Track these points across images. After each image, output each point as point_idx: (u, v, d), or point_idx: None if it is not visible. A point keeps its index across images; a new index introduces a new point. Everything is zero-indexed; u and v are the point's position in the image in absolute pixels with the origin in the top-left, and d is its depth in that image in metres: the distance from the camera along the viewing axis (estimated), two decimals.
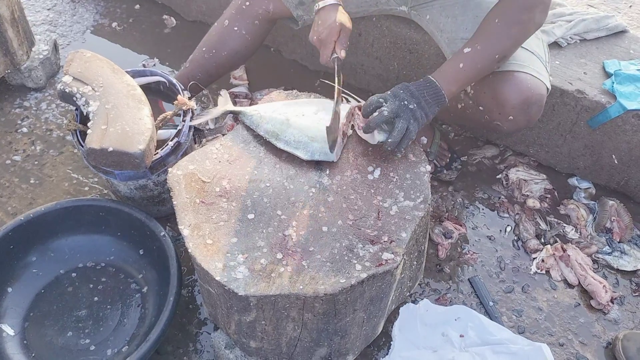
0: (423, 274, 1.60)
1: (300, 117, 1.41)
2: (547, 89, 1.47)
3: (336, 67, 1.41)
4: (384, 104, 1.32)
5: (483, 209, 1.83)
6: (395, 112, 1.30)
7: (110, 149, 1.40)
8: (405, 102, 1.31)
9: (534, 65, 1.45)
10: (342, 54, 1.41)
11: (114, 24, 2.40)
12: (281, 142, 1.39)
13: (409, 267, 1.37)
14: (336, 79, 1.39)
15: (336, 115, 1.36)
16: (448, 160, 1.88)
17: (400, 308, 1.49)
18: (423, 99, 1.32)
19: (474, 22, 1.50)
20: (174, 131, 1.57)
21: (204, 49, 1.77)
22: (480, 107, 1.47)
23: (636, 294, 1.64)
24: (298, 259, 1.19)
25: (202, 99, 2.03)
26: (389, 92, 1.34)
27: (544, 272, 1.67)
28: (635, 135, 1.69)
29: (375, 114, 1.32)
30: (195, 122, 1.51)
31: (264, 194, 1.31)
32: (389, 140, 1.30)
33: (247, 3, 1.69)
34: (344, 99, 1.47)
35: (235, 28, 1.72)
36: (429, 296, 1.61)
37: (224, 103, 1.56)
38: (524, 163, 1.92)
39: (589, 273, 1.64)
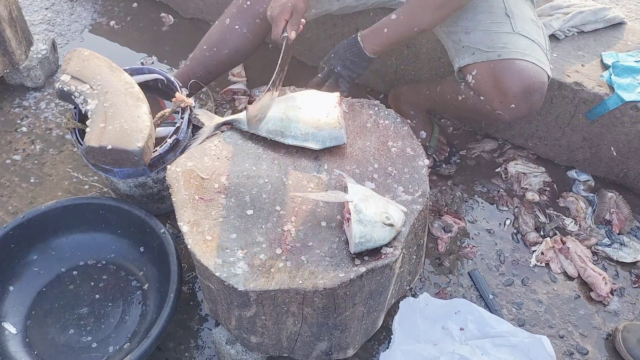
0: (423, 267, 1.61)
1: (298, 110, 1.41)
2: (549, 76, 1.47)
3: (284, 46, 1.47)
4: (321, 70, 1.58)
5: (482, 203, 1.83)
6: (327, 75, 1.56)
7: (109, 146, 1.40)
8: (332, 67, 1.54)
9: (535, 53, 1.45)
10: (292, 35, 1.48)
11: (112, 23, 2.40)
12: (289, 138, 1.39)
13: (409, 261, 1.38)
14: (280, 59, 1.44)
15: (267, 94, 1.41)
16: (447, 154, 1.88)
17: (400, 302, 1.50)
18: (348, 60, 1.51)
19: (474, 10, 1.50)
20: (172, 128, 1.57)
21: (204, 46, 1.77)
22: (482, 97, 1.47)
23: (636, 286, 1.65)
24: (297, 254, 1.19)
25: (201, 96, 2.03)
26: (326, 58, 1.57)
27: (543, 264, 1.68)
28: (634, 127, 1.69)
29: (315, 78, 1.58)
30: (192, 146, 1.43)
31: (262, 190, 1.31)
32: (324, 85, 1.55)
33: (249, 2, 1.70)
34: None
35: (237, 26, 1.72)
36: (429, 290, 1.61)
37: (210, 118, 1.49)
38: (523, 156, 1.92)
39: (589, 265, 1.64)
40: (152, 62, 2.24)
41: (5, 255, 1.50)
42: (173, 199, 1.28)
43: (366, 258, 1.18)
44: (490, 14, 1.49)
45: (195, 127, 1.88)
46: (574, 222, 1.76)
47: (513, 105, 1.42)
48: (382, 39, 1.48)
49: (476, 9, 1.50)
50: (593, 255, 1.70)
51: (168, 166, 1.34)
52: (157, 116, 1.57)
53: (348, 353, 1.37)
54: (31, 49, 2.09)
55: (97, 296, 1.54)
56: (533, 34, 1.48)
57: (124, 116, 1.46)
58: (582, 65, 1.76)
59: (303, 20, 1.53)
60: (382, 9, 1.85)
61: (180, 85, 1.67)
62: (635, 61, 1.73)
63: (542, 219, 1.77)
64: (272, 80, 1.43)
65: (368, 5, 1.76)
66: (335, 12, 1.78)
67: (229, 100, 2.08)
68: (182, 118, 1.58)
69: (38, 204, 1.67)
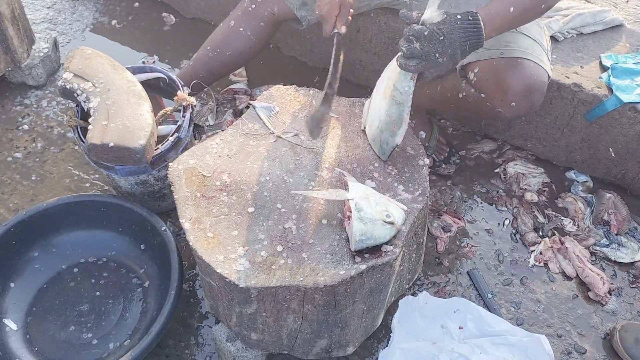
0: (422, 266, 1.61)
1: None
2: (549, 76, 1.48)
3: (335, 41, 1.42)
4: (411, 44, 1.19)
5: (481, 203, 1.84)
6: (418, 56, 1.19)
7: (111, 144, 1.41)
8: (436, 56, 1.19)
9: (536, 53, 1.46)
10: (343, 29, 1.42)
11: (114, 22, 2.41)
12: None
13: (408, 260, 1.39)
14: (334, 53, 1.40)
15: (328, 96, 1.37)
16: (446, 154, 1.89)
17: (400, 300, 1.50)
18: (460, 50, 1.20)
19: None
20: (174, 127, 1.58)
21: (208, 47, 1.79)
22: (482, 95, 1.48)
23: (633, 286, 1.66)
24: (298, 251, 1.20)
25: (203, 95, 2.04)
26: (429, 29, 1.19)
27: (542, 264, 1.69)
28: (632, 128, 1.70)
29: (400, 53, 1.22)
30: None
31: (264, 187, 1.32)
32: (398, 61, 1.23)
33: (253, 5, 1.72)
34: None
35: (241, 29, 1.74)
36: (428, 289, 1.62)
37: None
38: (522, 157, 1.93)
39: (587, 265, 1.65)
40: (154, 62, 2.24)
41: (7, 252, 1.51)
42: (175, 196, 1.29)
43: (367, 256, 1.19)
44: None
45: (196, 126, 1.89)
46: (572, 222, 1.77)
47: (513, 104, 1.43)
48: (503, 22, 1.25)
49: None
50: (591, 256, 1.71)
51: (170, 163, 1.35)
52: (159, 114, 1.58)
53: (348, 350, 1.38)
54: (33, 47, 2.10)
55: (97, 293, 1.54)
56: (535, 34, 1.50)
57: (126, 114, 1.47)
58: (581, 66, 1.78)
59: (352, 10, 1.45)
60: (384, 10, 1.86)
61: (182, 84, 1.68)
62: (634, 63, 1.74)
63: (541, 219, 1.78)
64: (328, 82, 1.38)
65: (371, 6, 1.77)
66: None
67: (230, 100, 2.09)
68: (183, 116, 1.59)
69: (39, 202, 1.67)
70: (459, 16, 1.21)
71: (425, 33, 1.18)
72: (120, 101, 1.50)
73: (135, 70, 1.68)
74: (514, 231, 1.77)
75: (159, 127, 1.60)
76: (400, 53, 1.23)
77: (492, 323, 1.49)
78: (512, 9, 1.24)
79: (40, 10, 2.42)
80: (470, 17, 1.21)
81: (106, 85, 1.53)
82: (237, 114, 2.00)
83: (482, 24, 1.22)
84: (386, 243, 1.20)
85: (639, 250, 1.71)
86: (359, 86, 2.14)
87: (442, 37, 1.19)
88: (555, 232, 1.75)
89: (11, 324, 1.47)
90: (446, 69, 1.23)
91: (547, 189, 1.85)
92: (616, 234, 1.74)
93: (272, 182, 1.33)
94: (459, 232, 1.75)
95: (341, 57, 1.41)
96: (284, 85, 1.57)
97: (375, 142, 1.40)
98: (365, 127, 1.45)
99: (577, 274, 1.66)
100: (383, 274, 1.23)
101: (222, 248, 1.20)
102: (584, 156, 1.86)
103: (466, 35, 1.20)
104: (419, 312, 1.50)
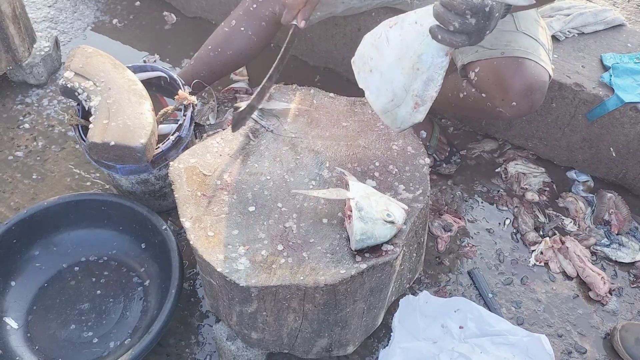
0: (423, 266, 1.61)
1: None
2: (550, 76, 1.48)
3: (290, 33, 1.45)
4: (471, 18, 1.02)
5: (482, 203, 1.84)
6: (470, 33, 1.04)
7: (112, 143, 1.41)
8: (487, 33, 1.07)
9: (538, 53, 1.46)
10: (302, 24, 1.46)
11: (115, 21, 2.41)
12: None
13: (409, 259, 1.39)
14: (284, 46, 1.43)
15: (263, 89, 1.40)
16: (447, 154, 1.89)
17: (400, 300, 1.50)
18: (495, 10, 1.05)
19: None
20: (175, 126, 1.58)
21: (209, 47, 1.79)
22: (483, 94, 1.48)
23: (634, 286, 1.66)
24: (298, 251, 1.20)
25: (203, 95, 2.04)
26: (490, 4, 1.02)
27: (542, 264, 1.69)
28: (633, 128, 1.70)
29: (438, 24, 1.05)
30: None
31: (264, 186, 1.32)
32: (435, 28, 1.06)
33: (255, 5, 1.72)
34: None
35: (242, 28, 1.74)
36: (429, 288, 1.62)
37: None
38: (523, 157, 1.93)
39: (588, 265, 1.65)
40: (155, 61, 2.25)
41: (7, 250, 1.51)
42: (175, 195, 1.29)
43: (367, 255, 1.19)
44: None
45: (197, 125, 1.89)
46: (573, 222, 1.77)
47: (514, 103, 1.43)
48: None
49: None
50: (592, 255, 1.70)
51: (171, 162, 1.35)
52: (159, 113, 1.58)
53: (348, 350, 1.38)
54: (34, 46, 2.10)
55: (98, 292, 1.55)
56: (536, 34, 1.49)
57: (127, 113, 1.47)
58: (582, 66, 1.78)
59: (318, 14, 1.50)
60: (385, 9, 1.86)
61: (183, 83, 1.68)
62: (635, 63, 1.74)
63: (542, 219, 1.78)
64: (268, 75, 1.42)
65: (372, 5, 1.77)
66: (339, 14, 1.79)
67: (231, 99, 2.09)
68: (184, 115, 1.59)
69: (40, 200, 1.67)
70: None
71: (487, 9, 1.02)
72: (121, 100, 1.50)
73: (136, 69, 1.68)
74: (514, 231, 1.77)
75: (160, 126, 1.60)
76: (437, 24, 1.05)
77: (493, 322, 1.49)
78: None
79: (42, 9, 2.42)
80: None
81: (107, 84, 1.53)
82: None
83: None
84: (387, 242, 1.20)
85: (639, 250, 1.71)
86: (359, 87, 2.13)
87: (497, 14, 1.05)
88: (556, 231, 1.75)
89: (12, 323, 1.47)
90: (482, 30, 1.06)
91: (547, 189, 1.85)
92: (617, 234, 1.74)
93: (273, 181, 1.33)
94: (459, 232, 1.75)
95: (288, 54, 1.43)
96: (284, 84, 1.57)
97: (388, 116, 1.24)
98: (366, 93, 1.26)
99: (577, 274, 1.66)
100: (383, 273, 1.23)
101: (223, 247, 1.20)
102: (585, 156, 1.86)
103: (504, 10, 1.09)
104: (420, 312, 1.50)
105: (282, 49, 1.44)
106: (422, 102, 1.19)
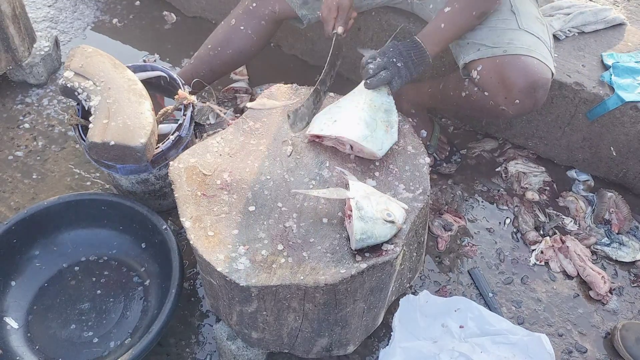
0: (423, 265, 1.61)
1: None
2: (552, 73, 1.48)
3: (333, 42, 1.51)
4: (372, 61, 1.41)
5: (482, 202, 1.84)
6: (383, 66, 1.40)
7: (112, 142, 1.41)
8: (394, 60, 1.40)
9: (540, 50, 1.46)
10: (340, 30, 1.53)
11: (115, 20, 2.41)
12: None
13: (409, 259, 1.39)
14: (330, 52, 1.50)
15: (317, 92, 1.44)
16: (447, 153, 1.89)
17: (400, 299, 1.50)
18: (410, 60, 1.41)
19: None
20: (175, 125, 1.58)
21: (209, 46, 1.79)
22: (486, 93, 1.48)
23: (634, 285, 1.66)
24: (299, 250, 1.20)
25: (203, 94, 2.03)
26: (378, 51, 1.43)
27: (543, 263, 1.69)
28: (633, 127, 1.70)
29: (365, 69, 1.41)
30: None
31: (264, 186, 1.32)
32: (367, 81, 1.41)
33: (254, 4, 1.72)
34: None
35: (242, 27, 1.74)
36: (429, 288, 1.62)
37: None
38: (523, 156, 1.93)
39: (588, 264, 1.65)
40: (155, 60, 2.24)
41: (8, 250, 1.51)
42: (175, 195, 1.29)
43: (367, 254, 1.19)
44: (496, 11, 1.50)
45: (197, 125, 1.89)
46: (573, 221, 1.77)
47: (517, 101, 1.43)
48: (440, 36, 1.44)
49: None
50: (592, 255, 1.70)
51: (171, 162, 1.35)
52: (159, 113, 1.57)
53: (348, 349, 1.38)
54: (34, 46, 2.10)
55: (98, 292, 1.55)
56: (538, 31, 1.49)
57: (127, 113, 1.47)
58: (582, 65, 1.77)
59: (355, 13, 1.58)
60: (385, 9, 1.86)
61: (183, 82, 1.67)
62: (635, 62, 1.74)
63: (542, 218, 1.78)
64: (320, 78, 1.47)
65: (373, 5, 1.77)
66: None
67: (231, 98, 2.09)
68: (184, 115, 1.59)
69: (40, 200, 1.67)
70: (396, 41, 1.44)
71: (377, 52, 1.42)
72: (121, 100, 1.50)
73: (136, 69, 1.68)
74: (514, 230, 1.77)
75: (160, 125, 1.60)
76: (364, 80, 1.41)
77: (493, 322, 1.49)
78: (442, 24, 1.42)
79: (42, 9, 2.42)
80: (407, 40, 1.43)
81: (107, 83, 1.53)
82: (238, 112, 2.00)
83: (419, 40, 1.42)
84: (387, 242, 1.20)
85: None
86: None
87: (391, 49, 1.41)
88: (556, 231, 1.75)
89: (12, 323, 1.47)
90: (407, 77, 1.42)
91: (548, 188, 1.85)
92: (617, 233, 1.74)
93: (273, 181, 1.33)
94: (459, 231, 1.75)
95: (339, 61, 1.52)
96: (284, 83, 1.57)
97: (369, 141, 1.34)
98: (344, 136, 1.35)
99: (578, 273, 1.66)
100: (384, 272, 1.22)
101: (223, 247, 1.20)
102: (585, 155, 1.85)
103: (407, 48, 1.41)
104: (420, 311, 1.50)
105: (329, 57, 1.50)
106: (391, 125, 1.40)
